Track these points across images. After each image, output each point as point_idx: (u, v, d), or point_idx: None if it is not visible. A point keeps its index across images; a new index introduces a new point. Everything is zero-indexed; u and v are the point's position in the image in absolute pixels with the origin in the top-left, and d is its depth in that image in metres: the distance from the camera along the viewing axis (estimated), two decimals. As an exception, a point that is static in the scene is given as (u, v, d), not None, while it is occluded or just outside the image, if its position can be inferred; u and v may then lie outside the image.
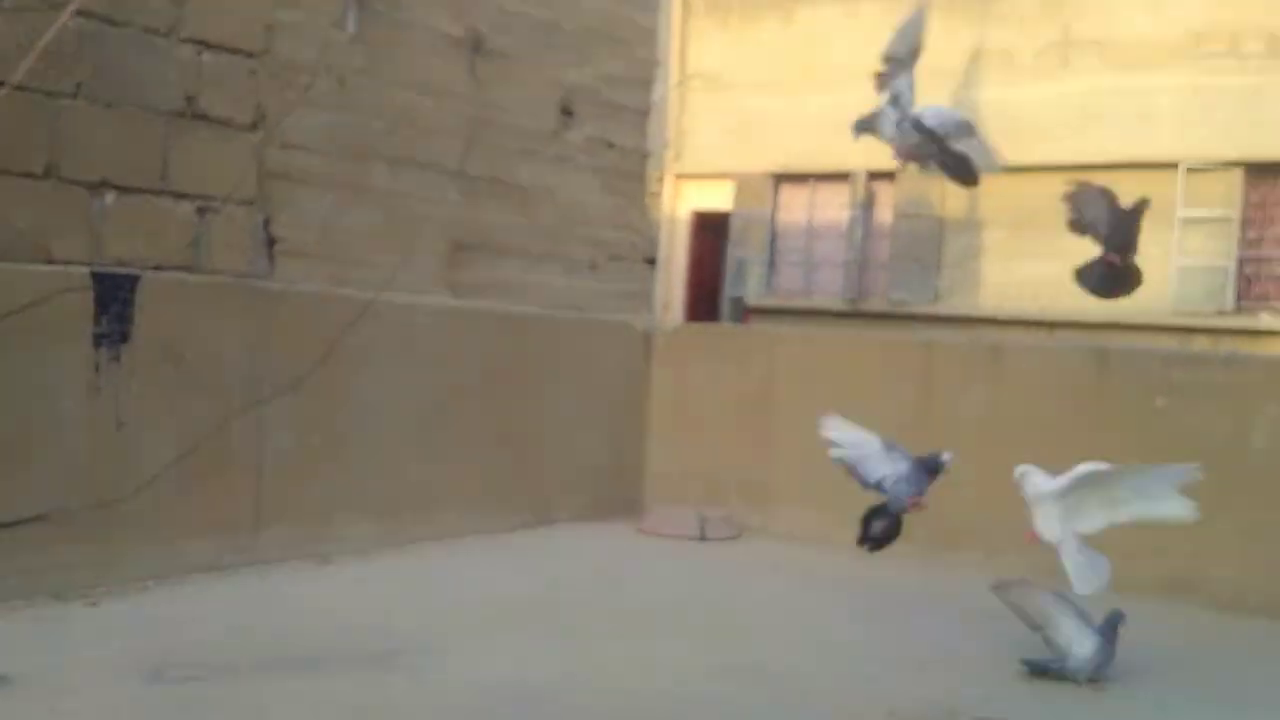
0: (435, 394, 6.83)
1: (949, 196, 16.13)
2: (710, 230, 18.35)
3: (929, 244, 16.21)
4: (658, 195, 15.60)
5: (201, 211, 5.75)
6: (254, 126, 5.93)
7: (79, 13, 5.07)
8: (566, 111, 7.75)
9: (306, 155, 6.18)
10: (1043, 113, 15.27)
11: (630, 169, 8.41)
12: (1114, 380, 6.95)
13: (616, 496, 8.29)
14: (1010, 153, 16.00)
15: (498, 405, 7.27)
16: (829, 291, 17.23)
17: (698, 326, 12.74)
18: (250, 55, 5.87)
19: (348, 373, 6.27)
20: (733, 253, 17.99)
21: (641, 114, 8.51)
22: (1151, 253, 14.92)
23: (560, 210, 7.79)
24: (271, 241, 6.06)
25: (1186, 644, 5.71)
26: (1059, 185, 14.06)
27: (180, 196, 5.65)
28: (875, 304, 16.63)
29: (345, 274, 6.37)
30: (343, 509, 6.36)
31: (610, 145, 8.16)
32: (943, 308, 15.95)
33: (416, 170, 6.75)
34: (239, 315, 5.84)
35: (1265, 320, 14.04)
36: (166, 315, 5.51)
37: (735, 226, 17.92)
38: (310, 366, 5.99)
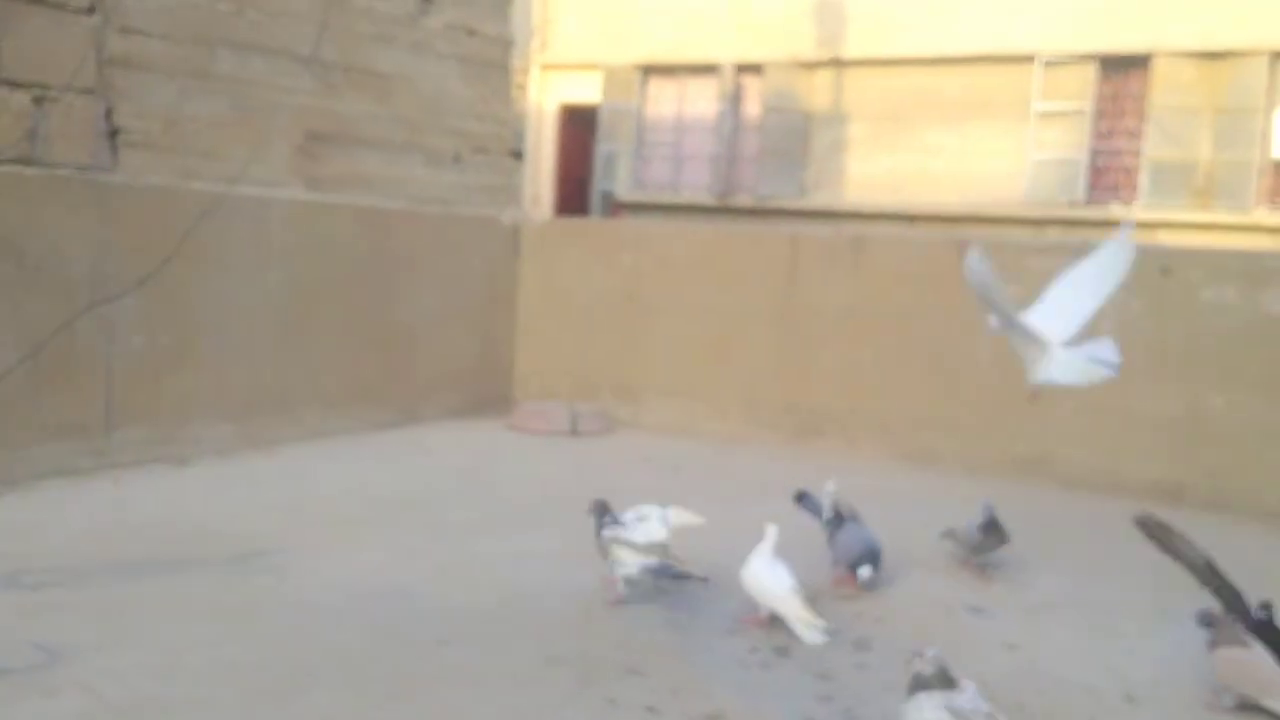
0: (293, 291, 6.65)
1: (815, 91, 16.22)
2: (578, 123, 18.13)
3: (795, 138, 16.30)
4: (524, 87, 15.30)
5: (38, 101, 5.42)
6: (91, 10, 5.58)
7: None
8: (425, -4, 7.49)
9: (148, 40, 5.85)
10: (906, 6, 15.37)
11: (493, 57, 8.19)
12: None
13: (486, 393, 8.25)
14: (872, 46, 16.21)
15: (360, 303, 7.12)
16: (698, 186, 17.24)
17: (566, 221, 12.62)
18: (83, -69, 5.51)
19: (199, 270, 6.05)
20: (601, 146, 17.82)
21: (504, 0, 8.27)
22: (1006, 145, 15.35)
23: (420, 100, 7.56)
24: (114, 132, 5.75)
25: (1034, 520, 5.96)
26: (920, 78, 14.20)
27: (14, 85, 5.32)
28: (743, 199, 16.72)
29: (193, 167, 6.10)
30: (200, 410, 6.19)
31: (471, 32, 7.92)
32: (809, 202, 16.12)
33: (266, 56, 6.45)
34: (81, 210, 5.57)
35: (1116, 211, 14.53)
36: (4, 210, 5.24)
37: (604, 120, 17.73)
38: (158, 264, 5.76)
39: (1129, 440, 6.66)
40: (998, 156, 15.01)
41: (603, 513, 4.22)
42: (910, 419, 7.25)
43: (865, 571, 4.35)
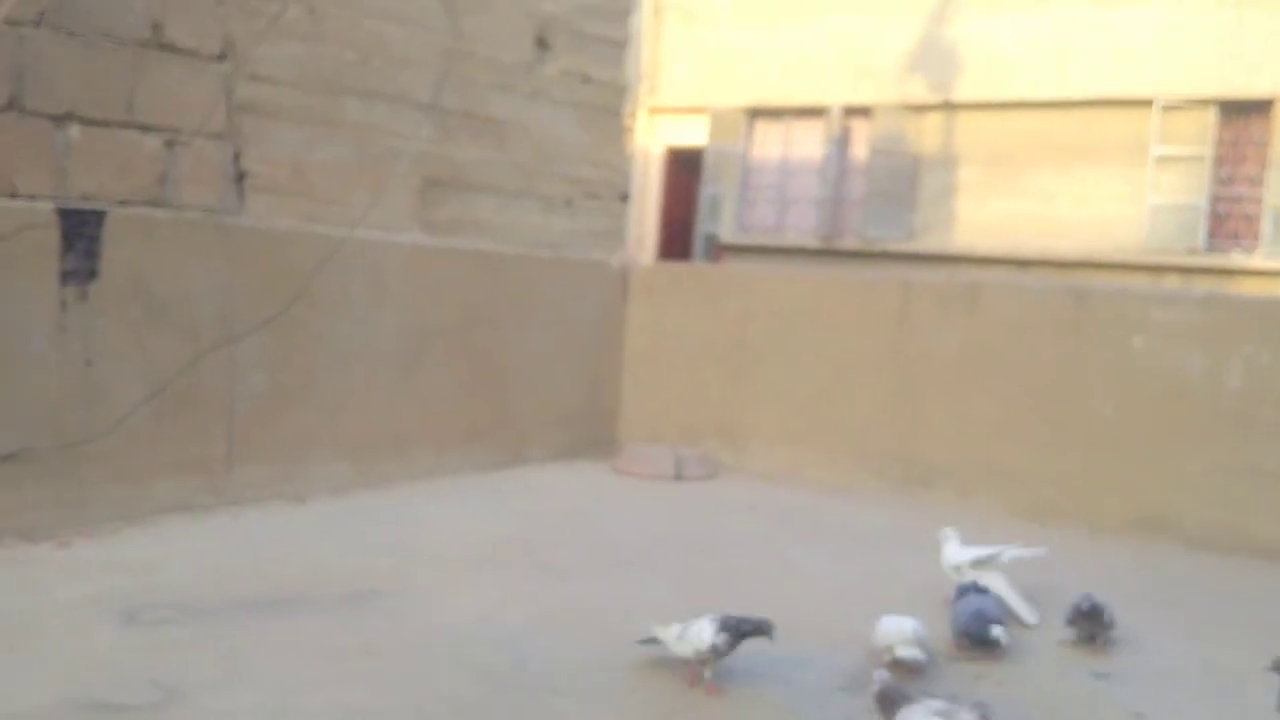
0: (409, 333, 6.76)
1: (925, 134, 16.07)
2: (684, 165, 18.21)
3: (904, 181, 16.14)
4: (631, 130, 15.43)
5: (169, 145, 5.61)
6: (222, 57, 5.77)
7: (38, -62, 4.91)
8: (542, 44, 7.60)
9: (276, 87, 6.03)
10: (1019, 48, 15.17)
11: (607, 104, 8.28)
12: (1092, 319, 6.94)
13: (592, 435, 8.27)
14: (984, 89, 16.01)
15: (472, 344, 7.21)
16: (803, 229, 17.16)
17: (674, 266, 12.68)
18: (216, -17, 5.71)
19: (319, 311, 6.18)
20: (706, 189, 17.87)
21: (618, 46, 8.35)
22: (1123, 190, 14.99)
23: (536, 146, 7.66)
24: (241, 176, 5.93)
25: (1159, 582, 5.76)
26: (1033, 121, 14.04)
27: (147, 129, 5.51)
28: (850, 242, 16.59)
29: (317, 211, 6.26)
30: (317, 448, 6.31)
31: (586, 79, 8.02)
32: (918, 245, 15.93)
33: (389, 104, 6.61)
34: (209, 252, 5.73)
35: (1236, 259, 14.10)
36: (135, 252, 5.41)
37: (709, 162, 17.78)
38: (282, 305, 5.92)
39: (1258, 498, 6.40)
40: (1114, 201, 14.67)
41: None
42: (1026, 472, 7.07)
43: (996, 630, 4.23)
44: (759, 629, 3.73)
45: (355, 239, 6.29)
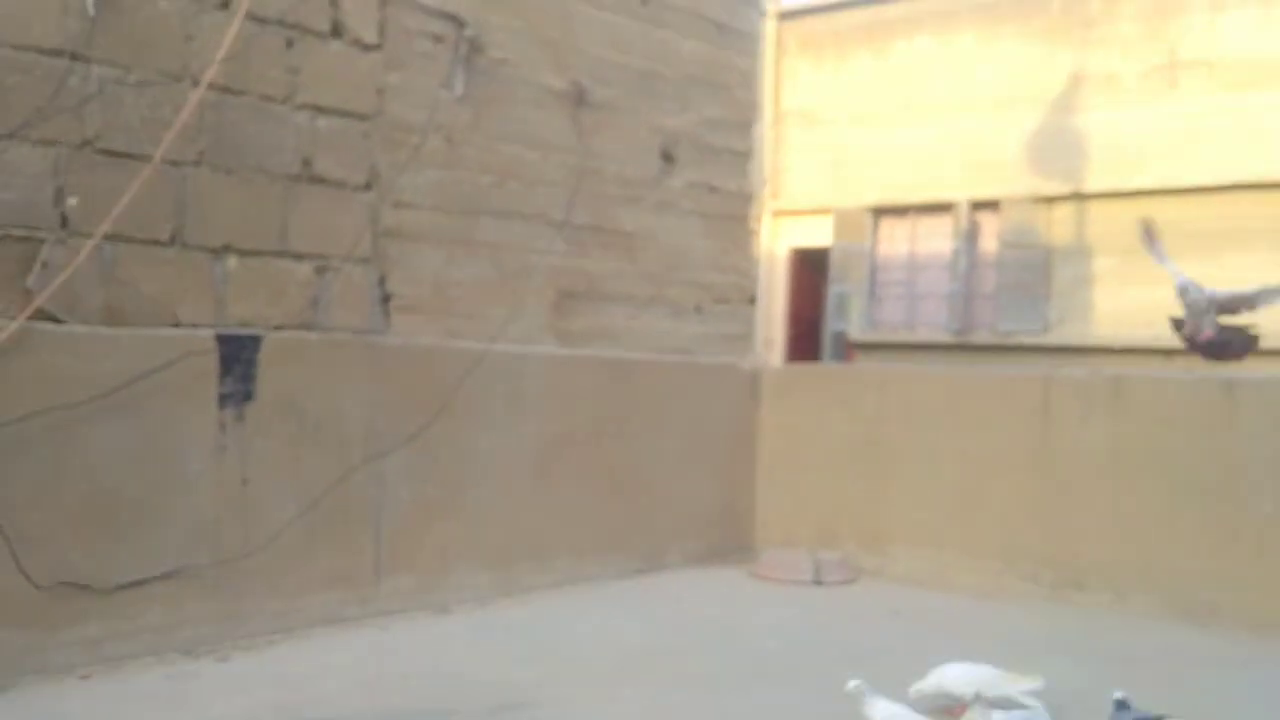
0: (546, 442, 6.87)
1: (1055, 224, 15.85)
2: (809, 266, 18.26)
3: (1036, 273, 15.90)
4: (757, 233, 15.57)
5: (320, 271, 5.88)
6: (368, 187, 6.06)
7: (198, 83, 5.26)
8: (668, 157, 7.78)
9: (417, 213, 6.29)
10: (1150, 136, 14.93)
11: (732, 211, 8.41)
12: (1244, 411, 6.70)
13: (729, 541, 8.23)
14: (1115, 178, 15.79)
15: (608, 451, 7.29)
16: (933, 324, 16.97)
17: (804, 366, 12.65)
18: (363, 118, 6.01)
19: (462, 424, 6.34)
20: (833, 288, 17.86)
21: (742, 156, 8.50)
22: (1266, 275, 14.50)
23: (664, 255, 7.80)
24: (387, 298, 6.17)
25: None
26: (1169, 208, 13.81)
27: (299, 257, 5.79)
28: (982, 336, 16.33)
29: (457, 327, 6.46)
30: (460, 559, 6.42)
31: (712, 189, 8.17)
32: (1053, 337, 15.59)
33: (523, 222, 6.83)
34: (357, 370, 5.96)
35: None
36: (288, 373, 5.65)
37: (835, 261, 17.80)
38: (426, 419, 6.10)
39: None
40: (1256, 284, 14.17)
41: None
42: (1184, 571, 6.78)
43: None
44: None
45: (494, 352, 6.47)
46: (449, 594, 6.31)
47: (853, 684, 4.29)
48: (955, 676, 4.60)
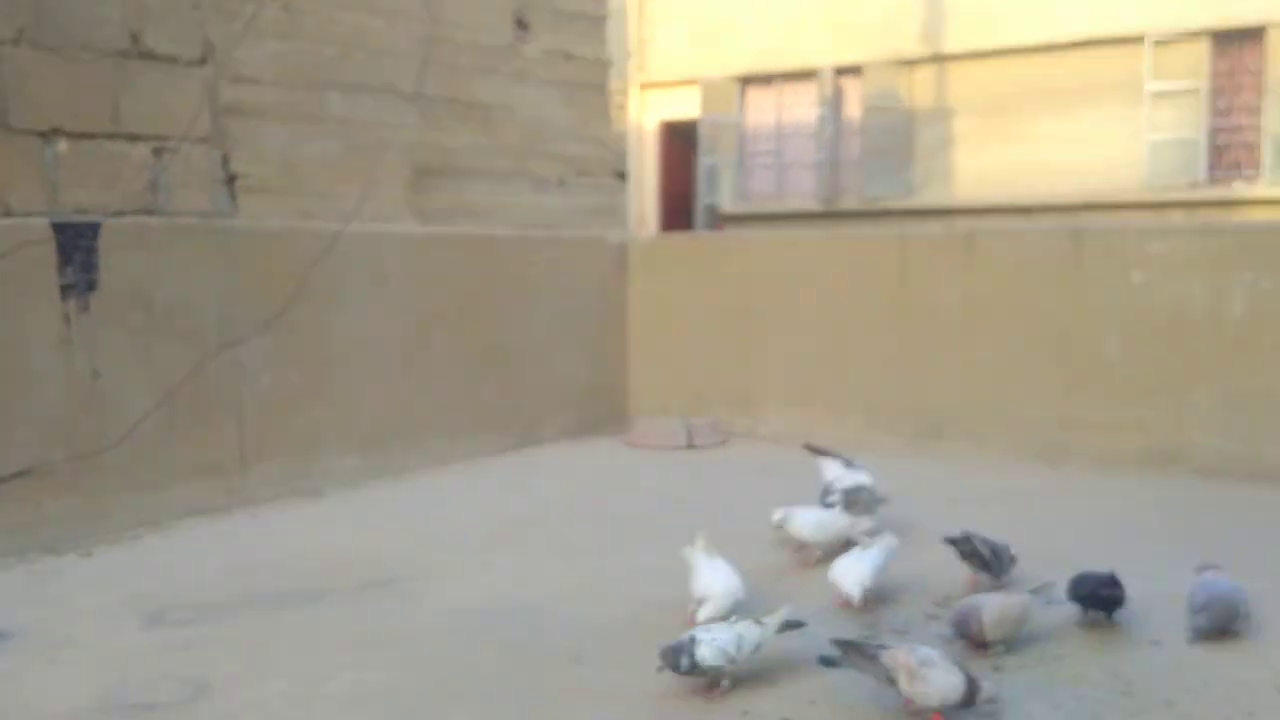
0: (411, 322, 6.79)
1: (918, 88, 16.00)
2: (679, 139, 18.17)
3: (900, 137, 16.09)
4: (623, 107, 15.41)
5: (157, 152, 5.64)
6: (203, 61, 5.80)
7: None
8: (521, 24, 7.60)
9: (258, 88, 6.05)
10: (1007, -5, 15.09)
11: (590, 79, 8.27)
12: (1089, 258, 6.93)
13: (602, 412, 8.30)
14: (974, 38, 15.89)
15: (476, 329, 7.24)
16: (803, 193, 17.12)
17: (672, 237, 12.65)
18: (191, -13, 5.73)
19: (321, 307, 6.22)
20: (703, 160, 17.84)
21: (598, 22, 8.34)
22: (1121, 129, 14.89)
23: (522, 127, 7.67)
24: (231, 179, 5.96)
25: (1173, 515, 5.77)
26: (1026, 67, 13.95)
27: (134, 138, 5.55)
28: (850, 202, 16.53)
29: (309, 207, 6.29)
30: (330, 443, 6.36)
31: (569, 57, 8.01)
32: (917, 201, 15.88)
33: (372, 95, 6.63)
34: (205, 256, 5.77)
35: (1239, 190, 14.02)
36: (132, 261, 5.46)
37: (704, 134, 17.74)
38: (282, 303, 5.96)
39: (1268, 424, 6.39)
40: (1112, 141, 14.57)
41: None
42: (1037, 415, 7.07)
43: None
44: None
45: (350, 232, 6.33)
46: (320, 479, 6.26)
47: (777, 515, 4.47)
48: (802, 521, 4.75)
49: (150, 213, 5.59)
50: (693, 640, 3.39)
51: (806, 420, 7.94)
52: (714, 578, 3.98)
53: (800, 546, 4.85)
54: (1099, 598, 4.06)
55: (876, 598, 4.22)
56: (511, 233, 7.53)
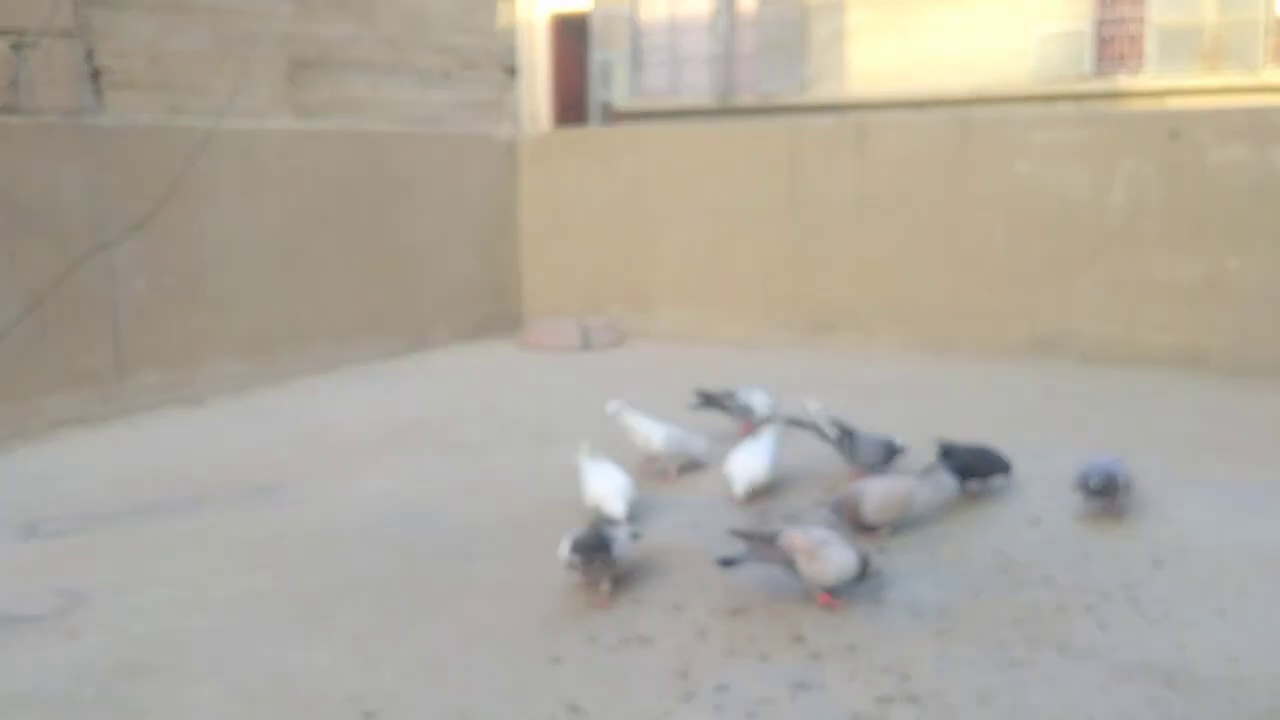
0: (292, 223, 6.58)
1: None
2: (572, 33, 17.78)
3: (794, 31, 15.95)
4: None
5: (16, 48, 5.32)
6: (58, -52, 5.45)
7: None
8: (399, -92, 7.29)
9: (121, -25, 5.73)
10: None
11: (475, -32, 8.01)
12: (976, 148, 6.98)
13: (496, 314, 8.21)
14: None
15: (360, 230, 7.05)
16: (697, 88, 16.93)
17: (561, 133, 12.43)
18: None
19: (195, 208, 5.99)
20: (596, 55, 17.50)
21: (481, -93, 8.05)
22: (1012, 21, 14.95)
23: (403, 16, 7.40)
24: (96, 74, 5.66)
25: (1057, 399, 5.92)
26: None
27: (-11, 33, 5.22)
28: (745, 98, 16.41)
29: (180, 103, 6.01)
30: (211, 349, 6.18)
31: (451, -57, 7.74)
32: (812, 96, 15.81)
33: (243, -17, 6.33)
34: (71, 155, 5.50)
35: (1123, 81, 14.23)
36: (-8, 161, 5.17)
37: (597, 27, 17.39)
38: (154, 205, 5.72)
39: (1148, 310, 6.57)
40: (1003, 34, 14.63)
41: None
42: (925, 306, 7.17)
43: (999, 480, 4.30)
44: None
45: (223, 129, 6.07)
46: (202, 386, 6.10)
47: (613, 405, 4.42)
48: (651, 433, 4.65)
49: (11, 111, 5.29)
50: (608, 536, 3.37)
51: (701, 318, 7.96)
52: (604, 482, 3.96)
53: (652, 459, 4.70)
54: (974, 466, 4.20)
55: (766, 490, 4.27)
56: (395, 128, 7.31)
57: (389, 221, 7.23)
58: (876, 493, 3.85)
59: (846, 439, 4.45)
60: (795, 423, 4.55)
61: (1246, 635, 3.10)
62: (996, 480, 4.29)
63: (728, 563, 3.36)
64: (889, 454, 4.43)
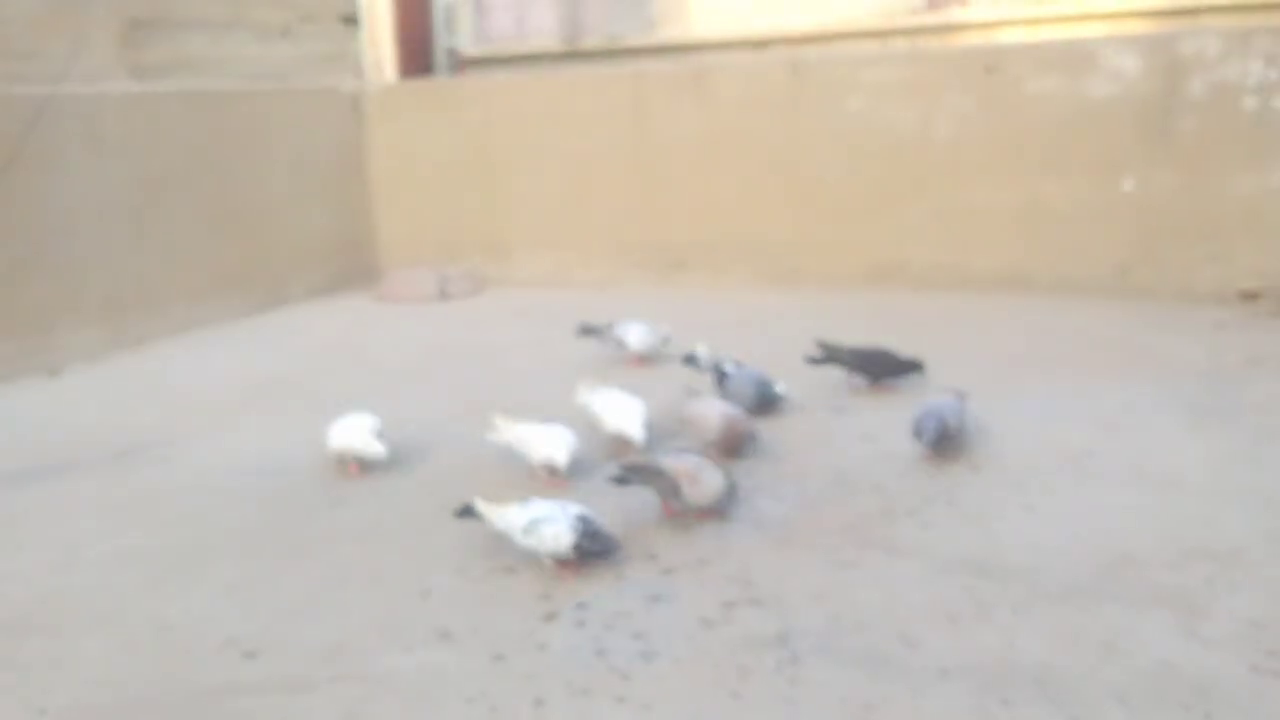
0: (138, 187, 6.52)
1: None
2: (413, -20, 17.54)
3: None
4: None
5: None
6: None
7: None
8: None
9: (-61, -61, 5.58)
10: None
11: (307, -81, 7.93)
12: (809, 88, 7.28)
13: (352, 268, 8.25)
14: None
15: (208, 191, 7.01)
16: (544, 32, 16.88)
17: (410, 84, 12.31)
18: None
19: (37, 175, 5.89)
20: (439, 1, 17.31)
21: None
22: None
23: (239, -28, 7.32)
24: (-80, 41, 5.52)
25: (892, 323, 6.29)
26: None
27: None
28: (592, 42, 16.45)
29: (14, 69, 5.88)
30: (63, 316, 6.11)
31: (282, -105, 7.65)
32: (658, 38, 15.93)
33: (71, -56, 6.20)
34: (-101, 127, 5.38)
35: (955, 16, 14.69)
36: None
37: (439, -27, 17.17)
38: (-6, 174, 5.63)
39: (975, 236, 6.99)
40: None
41: None
42: (770, 242, 7.48)
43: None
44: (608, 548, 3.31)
45: (61, 95, 5.97)
46: (57, 354, 6.04)
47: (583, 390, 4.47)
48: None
49: None
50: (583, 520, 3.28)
51: (557, 263, 8.14)
52: (545, 437, 4.00)
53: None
54: (763, 397, 4.56)
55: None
56: (237, 86, 7.25)
57: (237, 180, 7.20)
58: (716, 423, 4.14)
59: (720, 378, 4.71)
60: (688, 361, 4.93)
61: (1051, 528, 3.47)
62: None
63: (620, 481, 3.65)
64: (763, 397, 4.59)
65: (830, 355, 4.94)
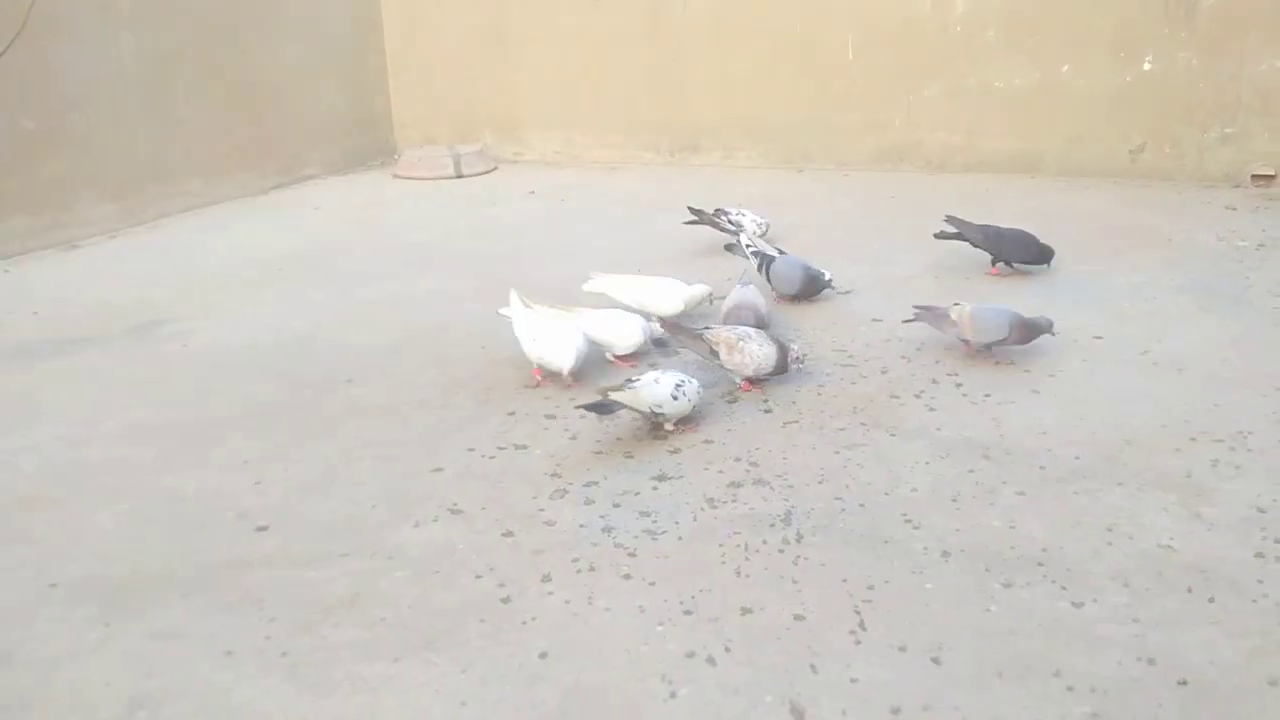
0: (151, 59, 6.46)
1: None
2: None
3: None
4: None
5: None
6: None
7: None
8: None
9: None
10: None
11: None
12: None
13: (368, 145, 8.20)
14: None
15: (222, 65, 6.94)
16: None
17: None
18: None
19: (47, 45, 5.85)
20: None
21: None
22: None
23: None
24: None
25: (903, 205, 6.24)
26: None
27: None
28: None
29: (21, -65, 5.79)
30: (80, 191, 6.13)
31: None
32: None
33: None
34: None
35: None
36: None
37: None
38: (4, 44, 5.56)
39: (988, 118, 6.88)
40: None
41: None
42: (783, 124, 7.39)
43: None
44: None
45: (70, -38, 5.89)
46: (74, 229, 6.07)
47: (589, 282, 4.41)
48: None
49: None
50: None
51: (570, 142, 8.07)
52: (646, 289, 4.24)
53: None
54: (812, 281, 4.55)
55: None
56: (250, -43, 7.13)
57: (251, 54, 7.13)
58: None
59: (766, 263, 4.66)
60: (729, 248, 4.94)
61: (1056, 411, 3.48)
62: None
63: (660, 344, 3.95)
64: (811, 280, 4.55)
65: (960, 232, 4.87)
